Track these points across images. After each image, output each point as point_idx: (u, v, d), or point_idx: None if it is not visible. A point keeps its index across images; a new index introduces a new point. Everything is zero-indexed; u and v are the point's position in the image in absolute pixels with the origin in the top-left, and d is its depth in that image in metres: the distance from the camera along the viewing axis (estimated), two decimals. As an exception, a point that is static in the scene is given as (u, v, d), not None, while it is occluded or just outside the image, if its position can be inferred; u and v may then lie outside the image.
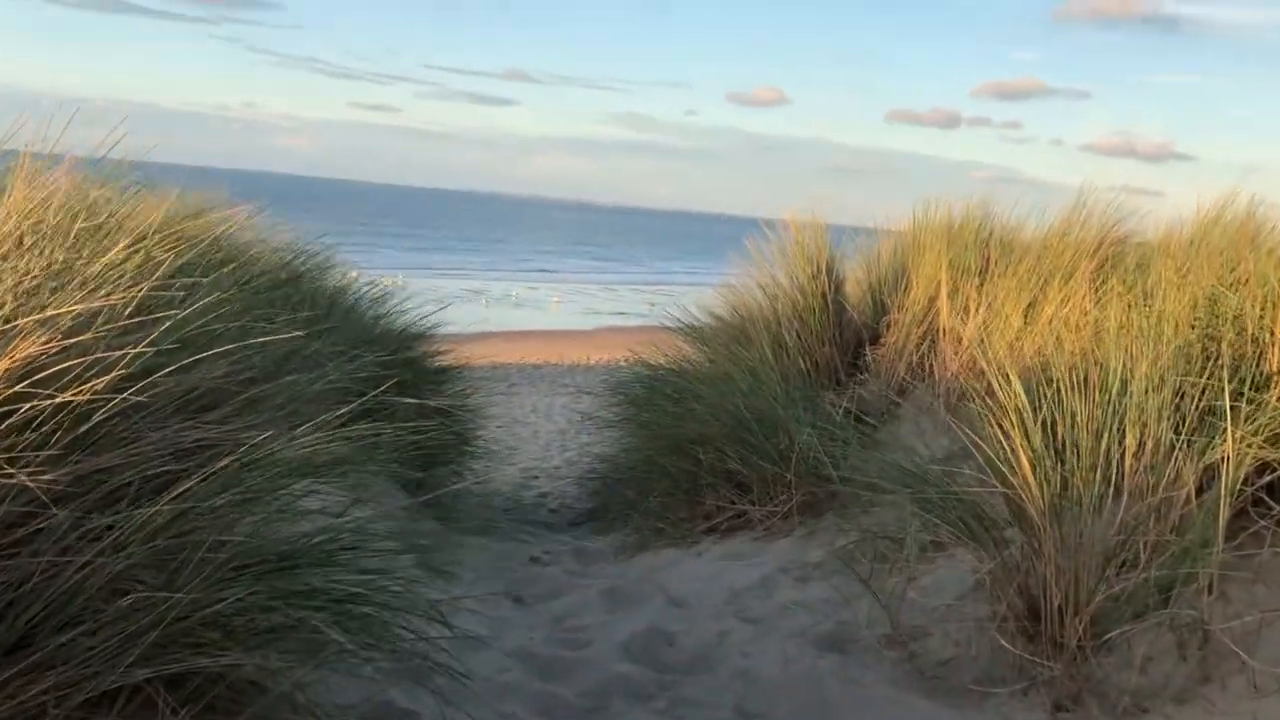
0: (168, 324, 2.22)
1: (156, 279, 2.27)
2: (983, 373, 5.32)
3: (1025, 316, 5.99)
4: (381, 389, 3.38)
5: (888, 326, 6.72)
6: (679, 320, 7.52)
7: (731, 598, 4.50)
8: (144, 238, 2.53)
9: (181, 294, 2.45)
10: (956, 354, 6.16)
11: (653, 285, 62.08)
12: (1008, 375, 3.70)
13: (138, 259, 2.32)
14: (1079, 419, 3.54)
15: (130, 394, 2.22)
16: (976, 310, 6.27)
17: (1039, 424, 3.51)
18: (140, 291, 2.23)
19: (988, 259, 6.71)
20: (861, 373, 6.66)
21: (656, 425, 6.18)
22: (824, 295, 6.64)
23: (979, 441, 3.64)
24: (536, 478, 12.81)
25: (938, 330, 6.38)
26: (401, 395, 6.78)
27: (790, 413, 5.51)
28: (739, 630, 4.05)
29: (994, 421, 3.68)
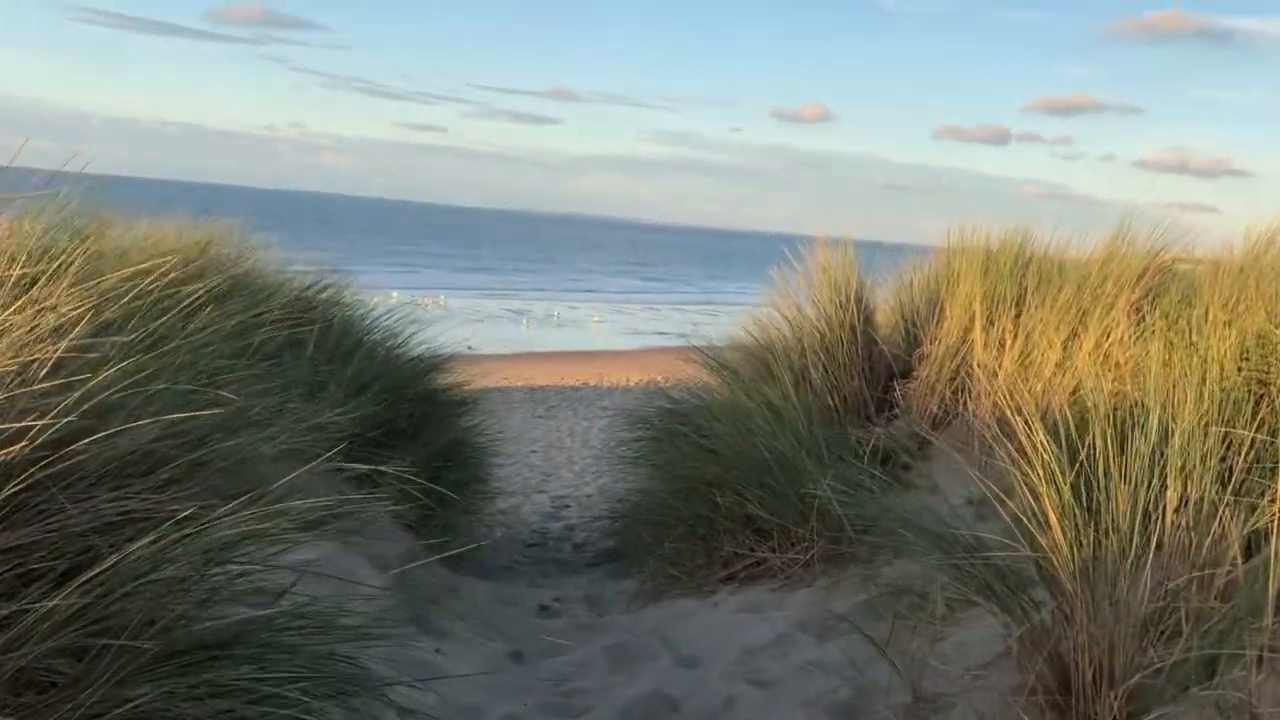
0: (84, 388, 1.99)
1: (74, 337, 2.04)
2: (1016, 412, 5.06)
3: (1063, 350, 5.70)
4: (333, 451, 3.10)
5: (920, 359, 6.44)
6: (702, 350, 7.26)
7: (745, 657, 4.23)
8: (81, 282, 2.31)
9: (109, 351, 2.22)
10: (991, 390, 5.87)
11: (698, 305, 61.99)
12: (1035, 426, 3.41)
13: (52, 317, 2.09)
14: (1114, 471, 3.25)
15: (46, 464, 2.01)
16: (1012, 343, 5.98)
17: (1069, 479, 3.22)
18: (56, 351, 2.02)
19: (1024, 288, 6.42)
20: (892, 408, 6.37)
21: (672, 466, 5.92)
22: (852, 327, 6.36)
23: (1004, 498, 3.36)
24: (568, 506, 12.58)
25: (972, 364, 6.10)
26: (415, 429, 6.59)
27: (813, 454, 5.24)
28: (749, 695, 3.78)
29: (1020, 476, 3.39)
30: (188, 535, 2.14)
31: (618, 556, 7.05)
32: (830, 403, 6.23)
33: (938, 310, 6.57)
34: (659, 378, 30.75)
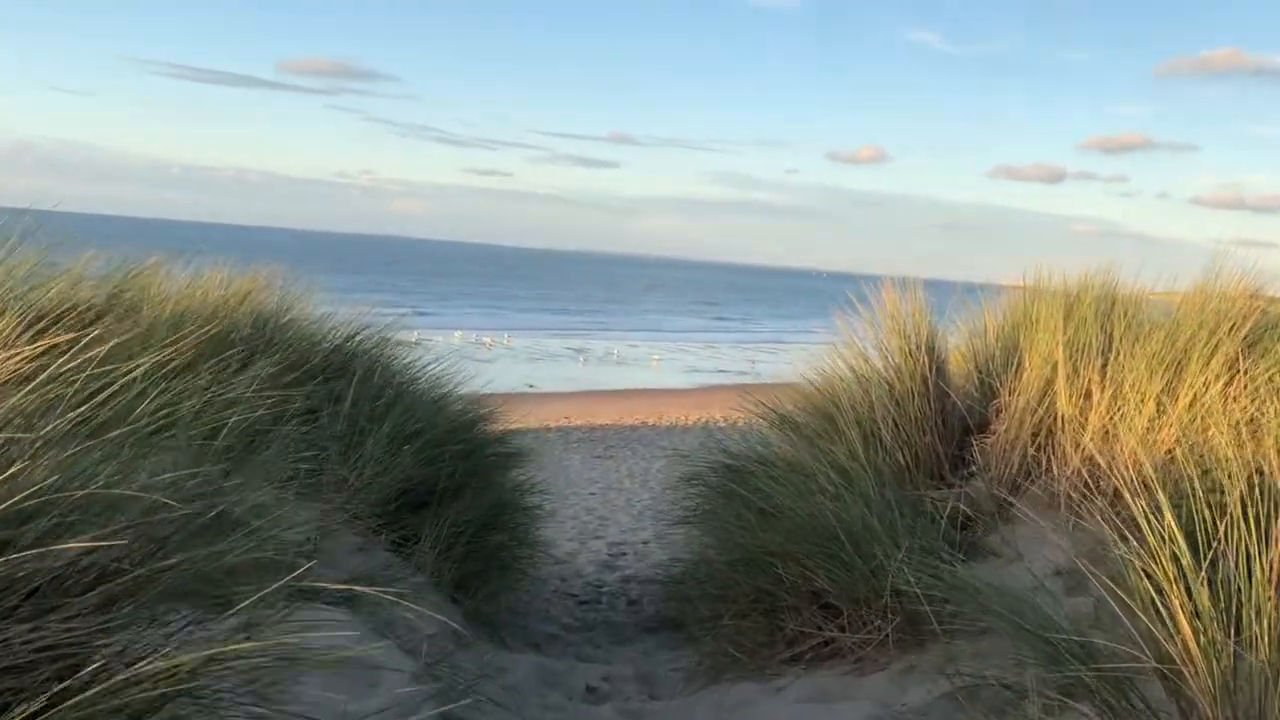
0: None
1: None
2: (1110, 471, 4.55)
3: (1158, 404, 5.18)
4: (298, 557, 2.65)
5: (997, 413, 5.92)
6: (762, 402, 6.77)
7: (812, 758, 3.74)
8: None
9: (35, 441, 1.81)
10: (1078, 447, 5.35)
11: (759, 343, 61.73)
12: (1159, 506, 2.89)
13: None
14: (1258, 564, 2.72)
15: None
16: (1100, 395, 5.47)
17: (1203, 573, 2.71)
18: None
19: (1110, 334, 5.90)
20: (968, 466, 5.85)
21: (729, 532, 5.43)
22: (924, 377, 5.86)
23: (1120, 594, 2.85)
24: (624, 554, 12.19)
25: (1055, 418, 5.58)
26: (458, 488, 6.15)
27: (885, 521, 4.75)
28: (817, 811, 3.30)
29: (1137, 563, 2.87)
30: (132, 668, 1.73)
31: (674, 623, 6.56)
32: (901, 460, 5.74)
33: (1015, 359, 6.07)
34: (717, 416, 30.55)
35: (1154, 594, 2.72)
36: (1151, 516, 2.87)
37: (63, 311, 6.49)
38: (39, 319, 6.25)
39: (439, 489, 5.77)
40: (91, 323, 6.42)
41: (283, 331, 6.75)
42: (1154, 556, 2.78)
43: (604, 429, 26.30)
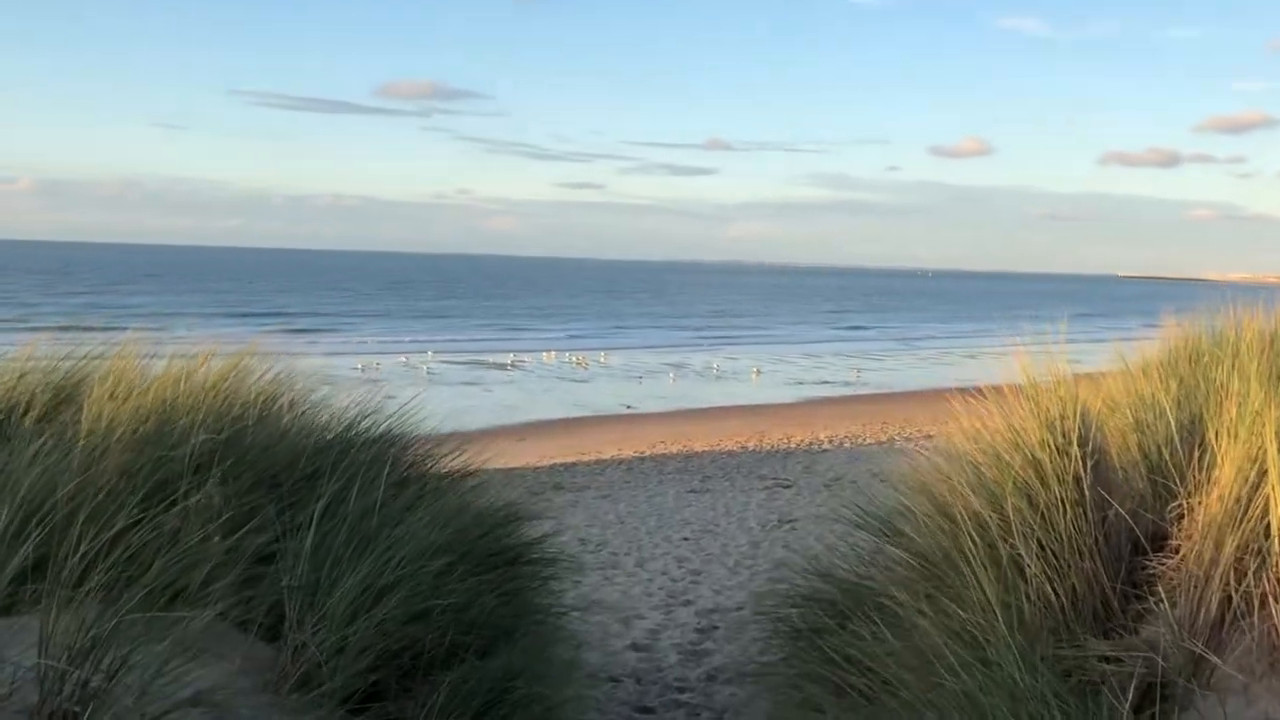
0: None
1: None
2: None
3: None
4: None
5: (1178, 520, 4.31)
6: (864, 513, 5.18)
7: None
8: None
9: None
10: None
11: (859, 350, 60.16)
12: None
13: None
14: None
15: None
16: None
17: None
18: None
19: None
20: (1140, 599, 4.25)
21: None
22: (1077, 480, 4.29)
23: None
24: (716, 628, 10.81)
25: (1269, 533, 3.95)
26: (451, 648, 4.73)
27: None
28: None
29: None
30: None
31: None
32: (1052, 598, 4.16)
33: (1200, 443, 4.47)
34: (822, 437, 28.94)
35: None
36: None
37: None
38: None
39: (426, 655, 4.35)
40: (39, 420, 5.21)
41: (257, 432, 5.44)
42: None
43: (700, 456, 24.97)
